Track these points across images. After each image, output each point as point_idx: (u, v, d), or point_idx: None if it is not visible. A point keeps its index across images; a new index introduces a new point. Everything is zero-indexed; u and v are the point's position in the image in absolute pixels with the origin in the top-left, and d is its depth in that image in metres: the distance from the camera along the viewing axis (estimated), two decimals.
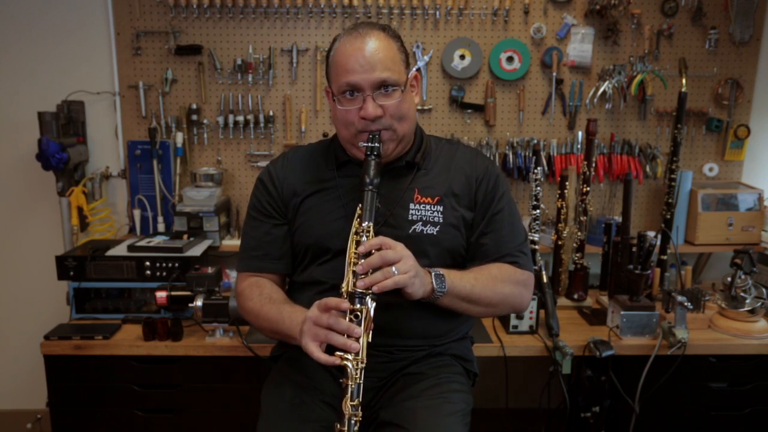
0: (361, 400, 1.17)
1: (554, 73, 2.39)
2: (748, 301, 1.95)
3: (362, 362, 1.18)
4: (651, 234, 1.97)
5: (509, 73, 2.40)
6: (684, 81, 2.20)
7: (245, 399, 1.92)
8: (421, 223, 1.42)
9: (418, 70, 2.36)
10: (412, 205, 1.43)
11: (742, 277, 1.97)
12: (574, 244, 2.24)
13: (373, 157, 1.32)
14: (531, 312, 1.95)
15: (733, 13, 2.37)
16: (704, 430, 1.99)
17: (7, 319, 2.57)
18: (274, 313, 1.37)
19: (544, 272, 2.02)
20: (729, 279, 1.99)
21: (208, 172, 2.39)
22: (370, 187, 1.29)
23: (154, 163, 2.38)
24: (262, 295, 1.43)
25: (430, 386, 1.38)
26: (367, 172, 1.30)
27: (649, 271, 1.99)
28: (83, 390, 1.94)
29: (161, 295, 1.91)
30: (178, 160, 2.41)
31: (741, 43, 2.40)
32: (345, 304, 1.20)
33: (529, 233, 2.18)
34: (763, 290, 1.98)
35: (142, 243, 2.12)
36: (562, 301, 2.22)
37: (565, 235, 2.23)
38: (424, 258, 1.38)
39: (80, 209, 2.34)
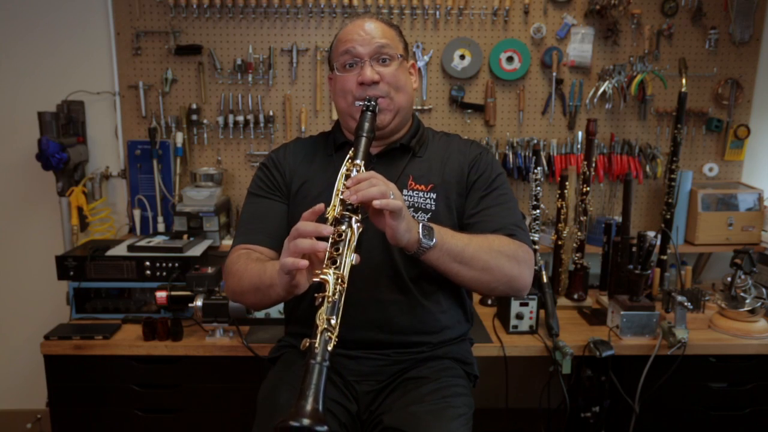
0: (338, 321, 1.05)
1: (554, 73, 2.39)
2: (748, 301, 1.95)
3: (343, 281, 1.08)
4: (651, 234, 1.97)
5: (509, 73, 2.40)
6: (684, 81, 2.20)
7: (245, 399, 1.92)
8: (413, 209, 1.42)
9: (417, 69, 2.38)
10: (405, 191, 1.43)
11: (742, 277, 1.96)
12: (574, 244, 2.24)
13: (369, 111, 1.33)
14: (531, 312, 1.94)
15: (733, 13, 2.37)
16: (704, 430, 1.99)
17: (7, 319, 2.57)
18: (257, 269, 1.30)
19: (544, 272, 2.02)
20: (729, 279, 1.99)
21: (208, 172, 2.39)
22: (364, 135, 1.29)
23: (154, 163, 2.38)
24: (249, 257, 1.37)
25: (432, 390, 1.36)
26: (361, 124, 1.31)
27: (649, 271, 1.99)
28: (83, 390, 1.94)
29: (161, 295, 1.91)
30: (178, 160, 2.41)
31: (741, 43, 2.40)
32: (324, 229, 1.11)
33: (529, 233, 2.18)
34: (763, 290, 1.98)
35: (142, 243, 2.12)
36: (562, 301, 2.22)
37: (565, 235, 2.23)
38: None
39: (80, 209, 2.35)
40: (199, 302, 1.86)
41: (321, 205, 1.15)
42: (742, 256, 1.96)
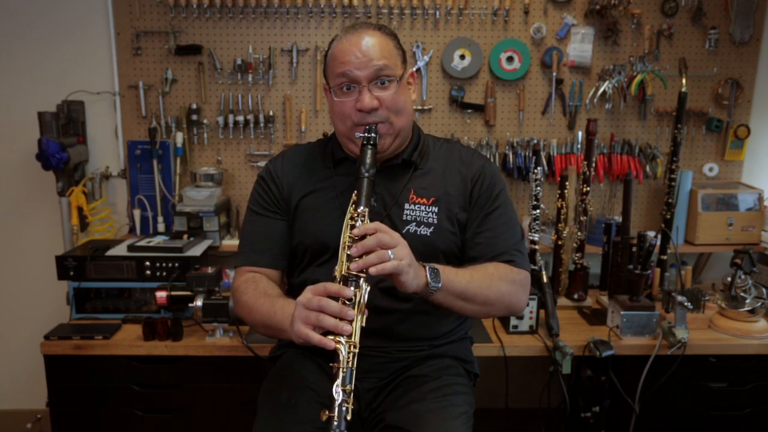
0: (352, 387, 1.11)
1: (554, 73, 2.39)
2: (748, 301, 1.95)
3: (355, 347, 1.12)
4: (651, 234, 1.97)
5: (509, 73, 2.40)
6: (684, 81, 2.20)
7: (245, 399, 1.92)
8: (415, 223, 1.41)
9: (417, 70, 2.38)
10: (407, 205, 1.42)
11: (742, 277, 1.96)
12: (574, 244, 2.24)
13: (369, 146, 1.31)
14: (531, 312, 1.94)
15: (733, 13, 2.37)
16: (704, 430, 1.99)
17: (7, 319, 2.57)
18: (267, 307, 1.33)
19: (544, 272, 2.02)
20: (729, 279, 1.99)
21: (208, 172, 2.39)
22: (366, 175, 1.27)
23: (154, 163, 2.38)
24: (257, 289, 1.40)
25: (433, 389, 1.37)
26: (363, 160, 1.28)
27: (649, 271, 1.99)
28: (83, 390, 1.94)
29: (161, 295, 1.91)
30: (178, 160, 2.41)
31: (741, 43, 2.40)
32: (346, 291, 1.15)
33: (529, 233, 2.18)
34: (763, 290, 1.98)
35: (142, 243, 2.12)
36: (562, 301, 2.22)
37: (565, 235, 2.23)
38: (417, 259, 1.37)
39: (80, 209, 2.34)
40: (199, 302, 1.86)
41: (347, 291, 1.16)
42: (742, 256, 1.96)
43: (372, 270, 1.15)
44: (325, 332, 1.14)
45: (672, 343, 1.85)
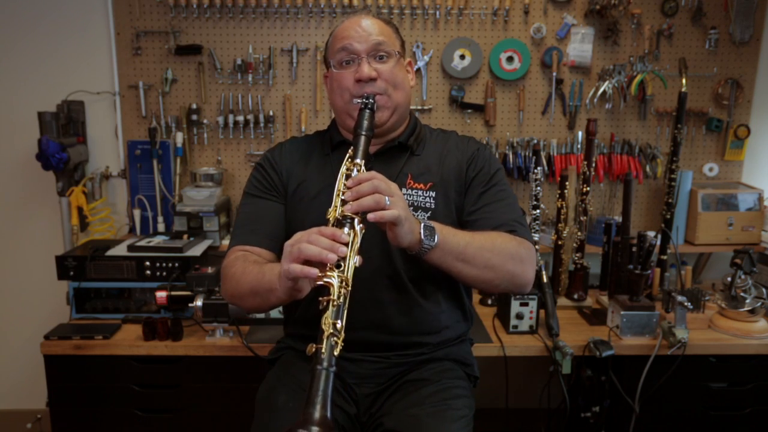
0: (343, 324, 1.05)
1: (554, 73, 2.39)
2: (748, 301, 1.95)
3: (347, 284, 1.07)
4: (651, 234, 1.97)
5: (509, 73, 2.40)
6: (684, 81, 2.20)
7: (245, 399, 1.91)
8: (412, 208, 1.40)
9: (417, 70, 2.38)
10: (404, 190, 1.41)
11: (742, 277, 1.96)
12: (574, 244, 2.24)
13: (367, 110, 1.32)
14: (531, 312, 1.94)
15: (733, 13, 2.37)
16: (704, 430, 1.99)
17: (7, 319, 2.57)
18: (255, 272, 1.29)
19: (544, 272, 2.02)
20: (729, 279, 1.99)
21: (208, 172, 2.39)
22: (363, 133, 1.27)
23: (154, 163, 2.38)
24: (246, 260, 1.36)
25: (432, 392, 1.36)
26: (359, 123, 1.30)
27: (649, 271, 1.99)
28: (83, 390, 1.94)
29: (161, 295, 1.91)
30: (178, 160, 2.41)
31: (741, 43, 2.40)
32: (340, 233, 1.09)
33: (530, 232, 2.18)
34: (763, 290, 1.98)
35: (142, 243, 2.12)
36: (562, 301, 2.22)
37: (565, 235, 2.23)
38: None
39: (80, 209, 2.35)
40: (199, 302, 1.86)
41: (342, 234, 1.11)
42: (742, 256, 1.96)
43: (370, 216, 1.12)
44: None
45: (672, 343, 1.85)
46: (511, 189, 1.51)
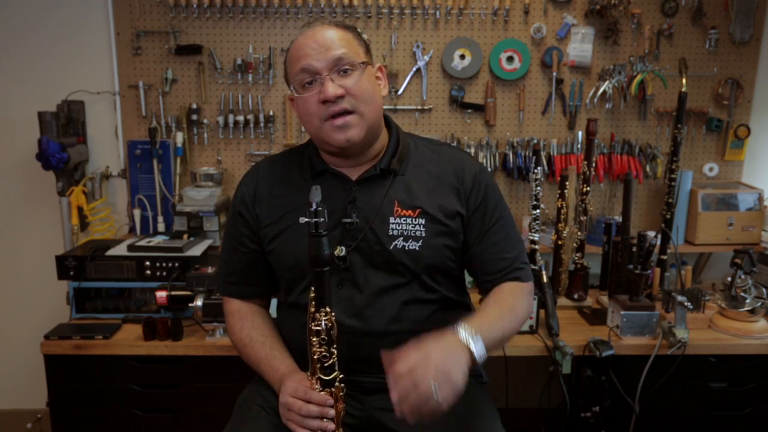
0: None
1: (554, 73, 2.39)
2: (748, 301, 1.95)
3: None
4: (651, 234, 1.97)
5: (509, 73, 2.40)
6: (684, 81, 2.20)
7: None
8: (402, 238, 1.31)
9: (417, 70, 2.38)
10: (392, 219, 1.32)
11: (742, 277, 1.96)
12: (574, 244, 2.24)
13: (315, 239, 1.12)
14: (531, 312, 1.94)
15: (733, 13, 2.37)
16: (704, 430, 1.99)
17: (7, 319, 2.57)
18: (254, 359, 1.41)
19: (544, 272, 2.02)
20: (729, 279, 1.99)
21: (208, 171, 2.39)
22: (318, 269, 1.13)
23: (154, 162, 2.38)
24: (242, 330, 1.43)
25: (454, 414, 1.22)
26: (313, 255, 1.12)
27: (649, 271, 1.98)
28: (83, 390, 1.94)
29: (161, 294, 1.91)
30: (178, 160, 2.41)
31: (741, 43, 2.40)
32: (328, 410, 1.21)
33: (529, 233, 2.18)
34: (763, 290, 1.98)
35: (142, 243, 2.12)
36: (562, 301, 2.22)
37: (565, 235, 2.23)
38: (405, 274, 1.32)
39: (80, 209, 2.35)
40: (199, 302, 1.86)
41: (328, 408, 1.22)
42: (742, 256, 1.96)
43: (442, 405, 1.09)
44: None
45: (672, 343, 1.85)
46: (509, 211, 1.45)
